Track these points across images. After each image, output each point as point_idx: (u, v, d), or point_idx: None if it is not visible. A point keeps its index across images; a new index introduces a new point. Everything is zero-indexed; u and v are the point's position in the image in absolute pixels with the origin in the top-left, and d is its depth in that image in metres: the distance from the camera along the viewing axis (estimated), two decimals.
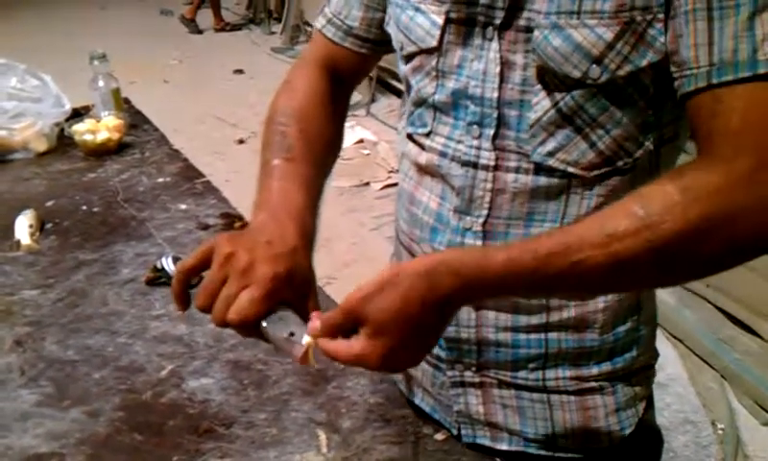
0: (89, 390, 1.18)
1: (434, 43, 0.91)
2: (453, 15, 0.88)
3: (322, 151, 1.03)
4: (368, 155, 4.85)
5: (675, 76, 0.78)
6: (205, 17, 8.26)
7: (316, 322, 0.77)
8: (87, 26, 8.54)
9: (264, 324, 0.81)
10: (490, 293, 0.79)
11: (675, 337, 2.77)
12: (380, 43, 1.08)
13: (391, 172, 4.51)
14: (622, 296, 0.95)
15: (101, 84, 2.22)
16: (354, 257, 3.72)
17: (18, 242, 1.62)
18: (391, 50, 1.07)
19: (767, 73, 0.72)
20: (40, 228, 1.69)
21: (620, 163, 0.86)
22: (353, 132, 5.03)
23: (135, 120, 2.30)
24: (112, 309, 1.39)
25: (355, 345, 0.74)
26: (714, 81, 0.74)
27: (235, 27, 8.21)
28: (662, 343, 2.78)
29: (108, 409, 1.14)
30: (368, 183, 4.50)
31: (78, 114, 2.20)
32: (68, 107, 2.18)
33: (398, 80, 1.03)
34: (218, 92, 6.10)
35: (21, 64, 2.21)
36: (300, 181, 0.94)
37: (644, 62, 0.80)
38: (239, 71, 6.58)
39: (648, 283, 0.88)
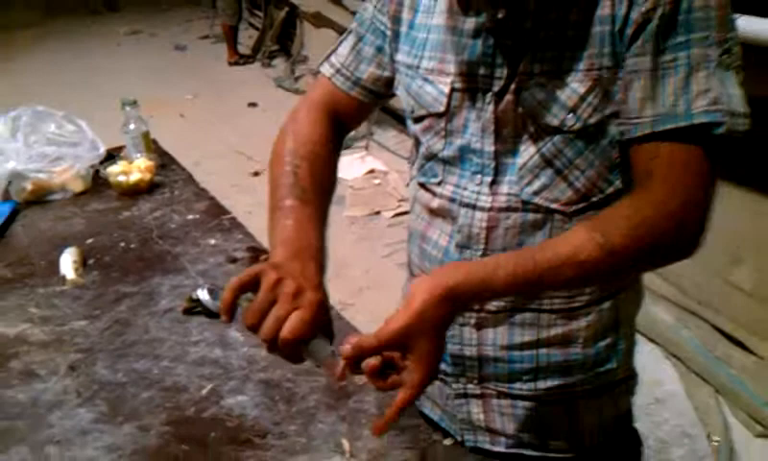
0: (139, 408, 1.34)
1: (442, 109, 1.08)
2: (457, 86, 1.05)
3: (328, 191, 1.17)
4: (378, 184, 5.01)
5: (623, 123, 0.96)
6: (221, 51, 8.49)
7: (345, 346, 0.90)
8: (105, 62, 8.78)
9: (308, 344, 0.94)
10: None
11: (674, 355, 2.91)
12: (382, 96, 1.23)
13: (401, 201, 4.67)
14: (603, 315, 1.11)
15: (132, 127, 2.39)
16: (367, 284, 3.87)
17: (64, 277, 1.79)
18: (388, 100, 1.23)
19: (700, 123, 0.90)
20: (83, 263, 1.86)
21: (594, 199, 1.03)
22: (364, 162, 5.20)
23: (164, 160, 2.47)
24: (154, 336, 1.55)
25: (414, 377, 0.88)
26: (657, 129, 0.92)
27: (248, 60, 8.41)
28: (661, 361, 2.93)
29: (156, 424, 1.30)
30: (379, 212, 4.66)
31: (111, 156, 2.37)
32: (103, 150, 2.36)
33: None
34: (233, 126, 6.28)
35: (59, 112, 2.40)
36: (314, 223, 1.07)
37: (609, 111, 0.97)
38: (253, 104, 6.77)
39: (601, 279, 1.07)
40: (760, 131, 2.56)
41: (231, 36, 8.35)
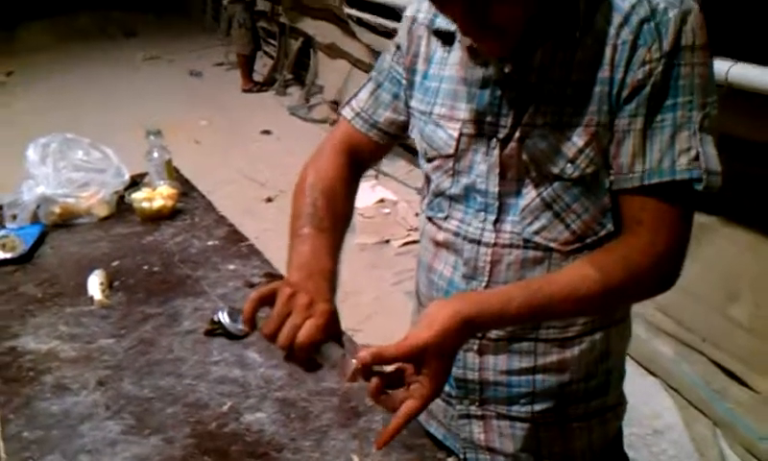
0: (164, 422, 1.44)
1: (451, 151, 1.19)
2: (466, 131, 1.16)
3: (343, 222, 1.27)
4: (388, 214, 5.13)
5: (615, 175, 1.07)
6: (235, 78, 8.65)
7: (363, 352, 0.99)
8: (123, 86, 8.99)
9: (321, 348, 1.04)
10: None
11: (672, 388, 2.99)
12: (397, 137, 1.35)
13: (410, 230, 4.78)
14: (594, 346, 1.21)
15: (155, 155, 2.51)
16: (376, 310, 3.97)
17: (92, 298, 1.89)
18: (403, 141, 1.34)
19: (682, 179, 1.02)
20: (109, 285, 1.96)
21: (589, 240, 1.13)
22: (374, 192, 5.32)
23: (185, 188, 2.58)
24: (177, 356, 1.65)
25: (423, 391, 0.97)
26: (645, 183, 1.04)
27: (262, 88, 8.57)
28: (661, 393, 3.02)
29: (180, 437, 1.39)
30: (388, 241, 4.77)
31: (135, 183, 2.49)
32: (127, 177, 2.48)
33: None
34: (247, 152, 6.42)
35: (86, 139, 2.52)
36: (328, 250, 1.18)
37: (603, 163, 1.08)
38: (267, 132, 6.92)
39: (596, 312, 1.19)
40: (758, 172, 2.66)
41: (245, 65, 8.52)
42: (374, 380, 0.99)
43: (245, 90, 8.47)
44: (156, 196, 2.38)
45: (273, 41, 8.93)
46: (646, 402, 3.02)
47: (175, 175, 2.60)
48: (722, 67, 2.25)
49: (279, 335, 1.03)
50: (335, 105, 6.57)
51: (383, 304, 4.04)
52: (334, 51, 6.95)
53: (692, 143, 1.02)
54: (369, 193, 5.29)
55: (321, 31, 7.13)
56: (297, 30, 7.90)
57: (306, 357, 1.04)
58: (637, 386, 3.11)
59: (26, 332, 1.76)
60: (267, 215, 4.97)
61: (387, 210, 5.17)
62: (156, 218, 2.35)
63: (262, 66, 9.14)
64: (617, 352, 1.28)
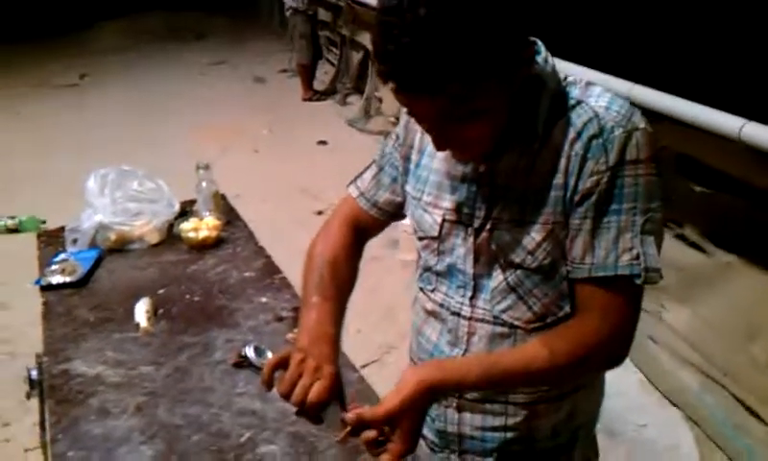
0: (189, 449, 1.65)
1: (435, 234, 1.36)
2: (447, 218, 1.33)
3: (346, 289, 1.46)
4: None
5: (569, 265, 1.23)
6: (298, 85, 8.89)
7: (350, 415, 1.20)
8: (186, 90, 9.33)
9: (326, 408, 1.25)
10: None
11: (692, 420, 3.08)
12: (395, 215, 1.52)
13: None
14: (561, 409, 1.36)
15: (204, 186, 2.73)
16: None
17: (138, 325, 2.11)
18: (401, 218, 1.52)
19: (623, 275, 1.18)
20: (154, 313, 2.18)
21: (549, 320, 1.29)
22: None
23: (230, 217, 2.80)
24: (207, 385, 1.86)
25: (396, 447, 1.16)
26: (593, 275, 1.20)
27: (321, 97, 8.79)
28: (680, 425, 3.11)
29: None
30: None
31: (184, 213, 2.72)
32: (177, 207, 2.70)
33: None
34: (303, 163, 6.63)
35: (140, 170, 2.75)
36: (331, 316, 1.37)
37: (559, 255, 1.23)
38: (323, 142, 7.12)
39: (547, 384, 1.34)
40: None
41: (305, 74, 8.72)
42: (364, 436, 1.19)
43: (305, 99, 8.69)
44: (203, 226, 2.59)
45: (335, 50, 9.12)
46: (665, 433, 3.12)
47: (221, 203, 2.81)
48: (735, 125, 2.36)
49: (293, 395, 1.25)
50: (396, 120, 6.73)
51: None
52: None
53: (634, 244, 1.17)
54: None
55: None
56: (357, 42, 8.08)
57: (314, 414, 1.26)
58: (658, 417, 3.22)
59: (77, 356, 1.99)
60: (317, 228, 5.14)
61: None
62: (201, 247, 2.56)
63: (324, 73, 9.35)
64: (586, 413, 1.42)
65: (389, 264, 4.63)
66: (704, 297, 3.18)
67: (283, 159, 6.75)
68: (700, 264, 3.19)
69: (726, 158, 2.85)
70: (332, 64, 9.26)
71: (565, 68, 3.04)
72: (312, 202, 5.69)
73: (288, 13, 8.57)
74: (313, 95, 8.75)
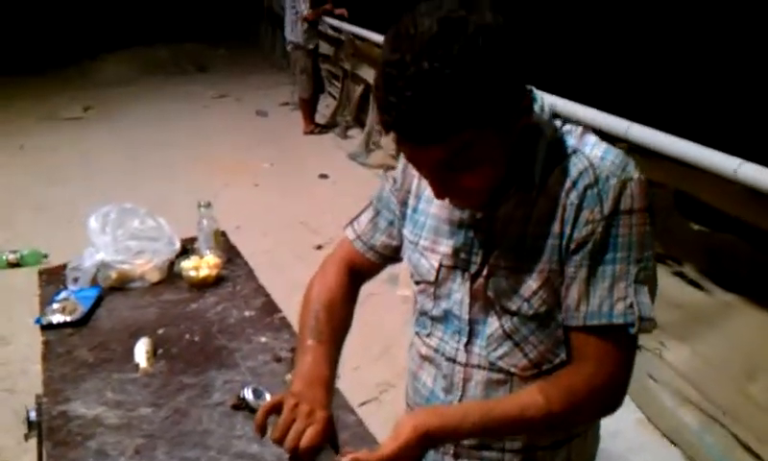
0: None
1: (432, 279, 1.37)
2: (444, 263, 1.35)
3: (341, 331, 1.48)
4: None
5: (565, 313, 1.25)
6: (300, 118, 8.93)
7: (346, 459, 1.20)
8: (192, 123, 9.38)
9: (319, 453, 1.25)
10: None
11: (691, 459, 3.07)
12: (392, 258, 1.54)
13: None
14: (557, 455, 1.37)
15: (205, 224, 2.75)
16: None
17: (138, 365, 2.12)
18: (398, 261, 1.53)
19: (617, 324, 1.19)
20: (154, 353, 2.18)
21: (544, 368, 1.30)
22: None
23: (230, 254, 2.81)
24: (206, 428, 1.86)
25: None
26: (587, 323, 1.22)
27: (323, 130, 8.84)
28: None
29: None
30: None
31: (185, 251, 2.73)
32: (178, 245, 2.72)
33: None
34: (304, 197, 6.64)
35: (142, 208, 2.77)
36: (326, 359, 1.39)
37: (554, 303, 1.25)
38: (324, 176, 7.14)
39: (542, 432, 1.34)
40: None
41: (307, 108, 8.77)
42: None
43: (306, 133, 8.74)
44: (203, 265, 2.61)
45: (336, 83, 9.19)
46: None
47: (222, 240, 2.83)
48: (732, 165, 2.38)
49: (286, 440, 1.25)
50: (396, 154, 6.75)
51: None
52: None
53: (628, 293, 1.19)
54: None
55: None
56: (358, 76, 8.14)
57: (308, 459, 1.25)
58: (657, 456, 3.21)
59: (77, 397, 1.99)
60: (316, 262, 5.12)
61: None
62: (202, 286, 2.57)
63: (325, 107, 9.41)
64: (583, 457, 1.43)
65: (388, 300, 4.62)
66: (703, 335, 3.19)
67: (284, 193, 6.78)
68: (699, 302, 3.20)
69: (723, 197, 2.87)
70: (334, 97, 9.32)
71: (565, 106, 3.09)
72: (311, 236, 5.70)
73: (289, 48, 8.64)
74: (314, 128, 8.80)
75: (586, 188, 1.19)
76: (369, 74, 7.70)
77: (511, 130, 1.17)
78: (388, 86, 1.08)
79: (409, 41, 1.06)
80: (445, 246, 1.34)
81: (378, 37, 7.12)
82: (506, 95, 1.11)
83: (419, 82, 1.05)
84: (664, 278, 3.19)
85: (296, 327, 2.34)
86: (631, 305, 1.19)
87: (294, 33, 8.43)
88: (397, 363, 4.05)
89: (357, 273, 1.56)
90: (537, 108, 1.25)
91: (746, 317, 2.98)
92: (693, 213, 3.15)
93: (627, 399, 1.28)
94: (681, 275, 3.28)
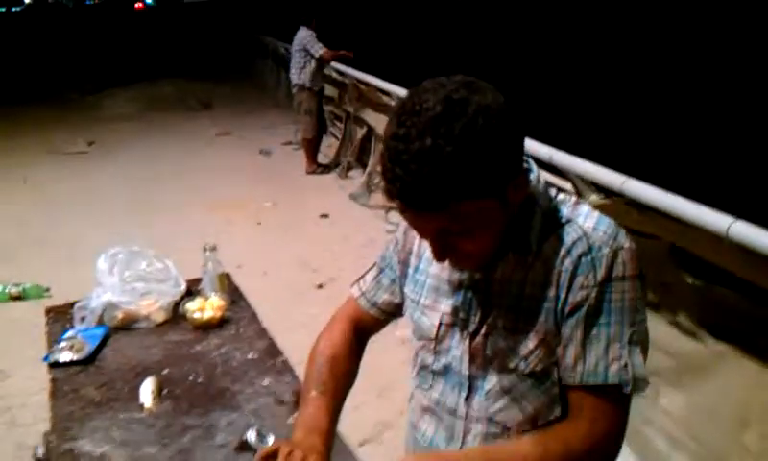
0: None
1: (433, 336, 1.44)
2: (444, 321, 1.42)
3: (344, 385, 1.56)
4: None
5: (561, 372, 1.31)
6: (302, 158, 9.04)
7: None
8: (196, 161, 9.49)
9: None
10: None
11: None
12: (394, 314, 1.62)
13: None
14: None
15: (210, 267, 2.81)
16: None
17: (143, 405, 2.17)
18: (400, 316, 1.60)
19: (612, 384, 1.25)
20: (159, 393, 2.23)
21: (539, 423, 1.36)
22: None
23: (234, 296, 2.87)
24: None
25: None
26: (583, 382, 1.28)
27: (325, 170, 8.94)
28: None
29: None
30: None
31: (190, 292, 2.79)
32: (184, 287, 2.78)
33: None
34: (305, 236, 6.71)
35: (150, 249, 2.84)
36: (327, 411, 1.47)
37: (551, 362, 1.31)
38: (325, 215, 7.22)
39: None
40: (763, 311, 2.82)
41: (310, 149, 8.87)
42: None
43: (309, 172, 8.83)
44: (207, 307, 2.67)
45: (339, 124, 9.32)
46: None
47: (226, 283, 2.89)
48: (724, 223, 2.46)
49: None
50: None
51: None
52: None
53: (622, 354, 1.26)
54: None
55: (380, 123, 7.47)
56: (360, 118, 8.26)
57: None
58: None
59: (84, 435, 2.04)
60: (316, 301, 5.20)
61: None
62: (206, 327, 2.63)
63: (328, 147, 9.52)
64: None
65: (387, 341, 4.65)
66: (697, 384, 3.23)
67: (286, 231, 6.85)
68: (694, 352, 3.25)
69: (717, 252, 2.93)
70: (336, 138, 9.45)
71: (563, 159, 3.17)
72: (312, 275, 5.76)
73: (294, 90, 8.76)
74: (317, 168, 8.90)
75: (580, 256, 1.26)
76: (371, 117, 7.83)
77: (508, 200, 1.24)
78: (393, 159, 1.16)
79: (414, 118, 1.14)
80: (445, 305, 1.42)
81: (380, 83, 7.27)
82: (503, 169, 1.19)
83: (422, 157, 1.13)
84: (659, 326, 3.25)
85: (297, 368, 2.41)
86: (625, 366, 1.26)
87: (301, 75, 8.56)
88: (397, 403, 4.08)
89: (362, 329, 1.64)
90: (533, 178, 1.33)
91: (739, 367, 3.03)
92: (688, 265, 3.21)
93: (624, 444, 1.33)
94: (676, 324, 3.34)
